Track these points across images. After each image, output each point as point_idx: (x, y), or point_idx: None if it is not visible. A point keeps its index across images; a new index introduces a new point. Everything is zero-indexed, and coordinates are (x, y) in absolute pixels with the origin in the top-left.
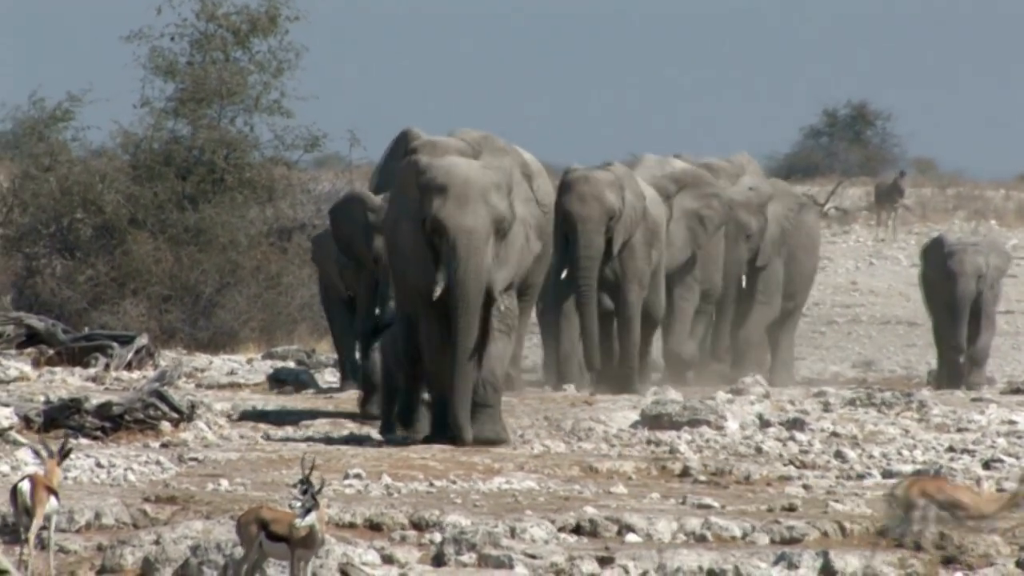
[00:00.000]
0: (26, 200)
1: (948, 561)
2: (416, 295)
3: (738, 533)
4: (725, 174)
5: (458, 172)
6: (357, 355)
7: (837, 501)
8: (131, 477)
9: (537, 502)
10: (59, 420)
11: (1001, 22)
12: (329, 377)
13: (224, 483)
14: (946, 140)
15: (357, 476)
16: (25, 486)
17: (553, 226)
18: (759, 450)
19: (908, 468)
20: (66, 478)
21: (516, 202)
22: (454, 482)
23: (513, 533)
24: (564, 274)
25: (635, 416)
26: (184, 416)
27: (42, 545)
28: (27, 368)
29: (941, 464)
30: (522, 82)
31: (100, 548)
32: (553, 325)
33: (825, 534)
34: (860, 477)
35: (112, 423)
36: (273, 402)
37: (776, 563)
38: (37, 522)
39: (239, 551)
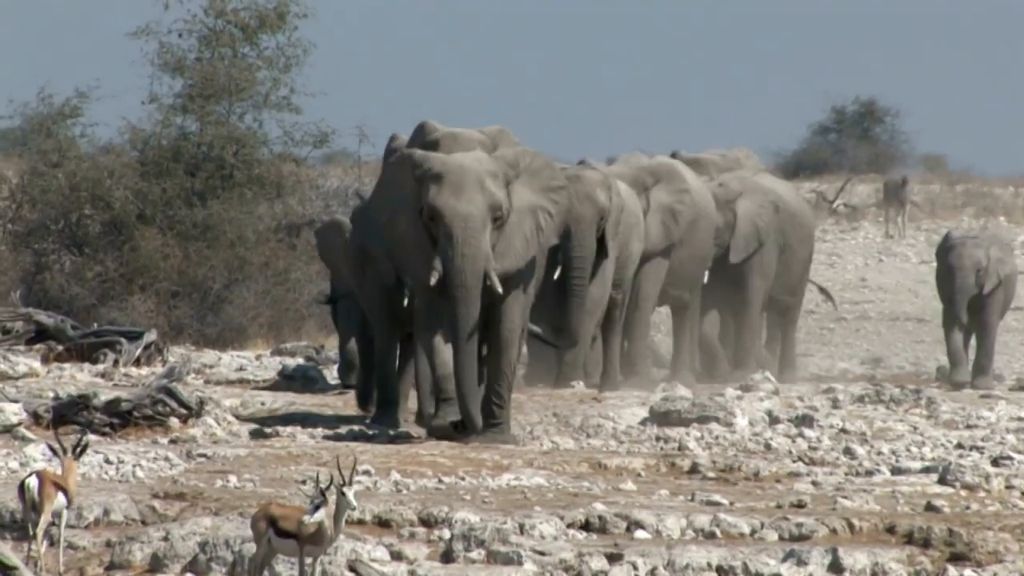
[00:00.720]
0: (35, 196)
1: (957, 558)
2: (419, 287)
3: (747, 530)
4: (716, 169)
5: (454, 160)
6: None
7: (846, 498)
8: (140, 473)
9: (546, 498)
10: (68, 416)
11: (1010, 19)
12: (338, 373)
13: (233, 479)
14: (955, 137)
15: (366, 472)
16: (33, 482)
17: None
18: (768, 447)
19: (917, 465)
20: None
21: (524, 191)
22: (463, 478)
23: (522, 529)
24: (556, 274)
25: (644, 413)
26: (193, 412)
27: (51, 541)
28: (36, 364)
29: (950, 460)
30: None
31: (109, 544)
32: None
33: (834, 531)
34: (869, 474)
35: (121, 419)
36: (282, 398)
37: (785, 560)
38: (45, 518)
39: (248, 547)
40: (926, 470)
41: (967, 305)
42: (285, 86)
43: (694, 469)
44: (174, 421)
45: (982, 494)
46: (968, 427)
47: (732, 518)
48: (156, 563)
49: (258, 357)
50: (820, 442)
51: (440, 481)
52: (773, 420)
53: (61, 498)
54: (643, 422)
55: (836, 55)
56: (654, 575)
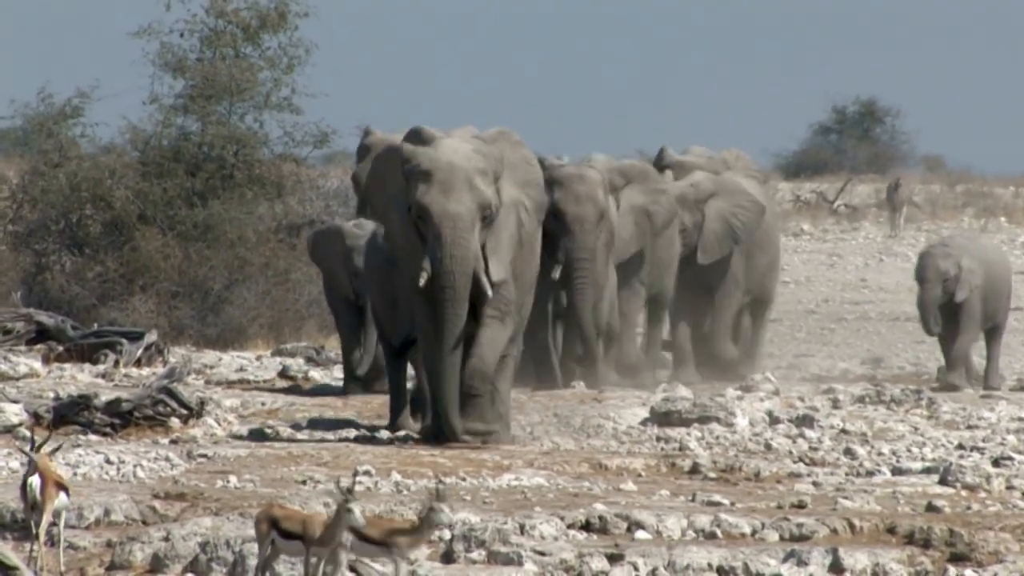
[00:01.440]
0: (35, 196)
1: (957, 558)
2: (412, 288)
3: (747, 530)
4: (701, 170)
5: (442, 158)
6: (358, 354)
7: (847, 498)
8: (140, 473)
9: (546, 499)
10: (68, 417)
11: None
12: (338, 374)
13: (233, 480)
14: (955, 137)
15: (367, 473)
16: (35, 481)
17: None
18: (768, 447)
19: (918, 465)
20: (75, 474)
21: (507, 186)
22: (463, 479)
23: (523, 530)
24: (557, 274)
25: (644, 413)
26: (193, 413)
27: (52, 541)
28: (36, 365)
29: (951, 461)
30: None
31: (109, 544)
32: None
33: (835, 531)
34: (870, 474)
35: (121, 419)
36: (282, 399)
37: (785, 560)
38: (47, 518)
39: (249, 547)
40: (927, 470)
41: (942, 314)
42: (286, 86)
43: (695, 469)
44: (175, 421)
45: (983, 494)
46: (969, 428)
47: (733, 518)
48: (157, 563)
49: (258, 357)
50: (821, 442)
51: (440, 482)
52: (774, 420)
53: (63, 497)
54: (644, 422)
55: (837, 56)
56: (655, 575)
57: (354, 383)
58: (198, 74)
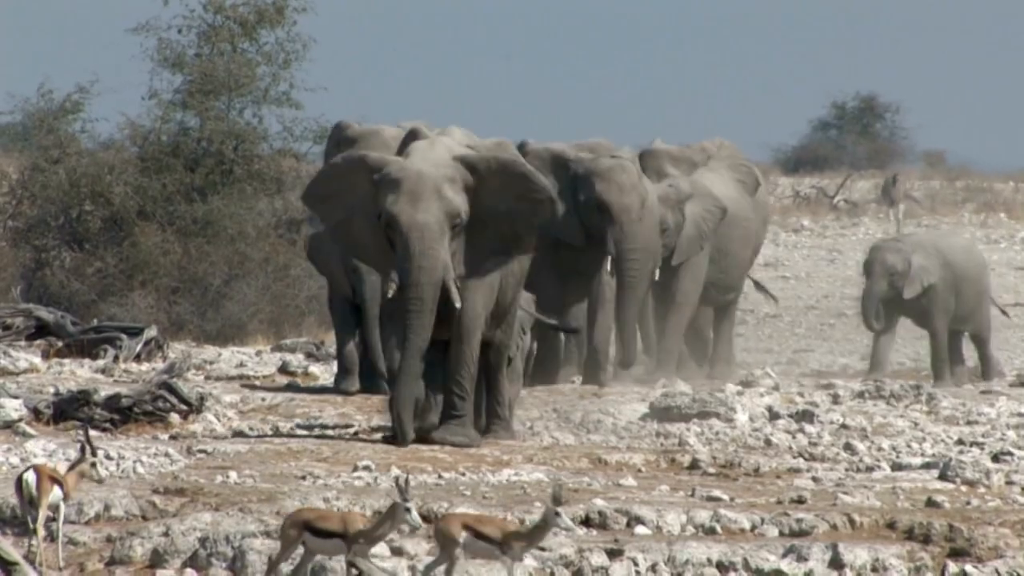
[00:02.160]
0: (35, 192)
1: (957, 554)
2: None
3: (747, 525)
4: (687, 163)
5: (411, 167)
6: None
7: (846, 493)
8: (140, 469)
9: (546, 494)
10: (68, 412)
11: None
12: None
13: (233, 475)
14: (955, 133)
15: (366, 468)
16: (30, 476)
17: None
18: (768, 442)
19: (917, 461)
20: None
21: (485, 192)
22: (463, 474)
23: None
24: (609, 266)
25: (644, 408)
26: (193, 408)
27: (51, 537)
28: (36, 360)
29: (950, 456)
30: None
31: (109, 539)
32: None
33: (834, 527)
34: (869, 469)
35: (121, 415)
36: (282, 395)
37: (785, 555)
38: (43, 512)
39: (249, 543)
40: (926, 466)
41: (885, 309)
42: (284, 81)
43: (694, 465)
44: (174, 417)
45: (982, 490)
46: (968, 423)
47: (732, 514)
48: (156, 558)
49: (258, 353)
50: (820, 438)
51: (440, 477)
52: (773, 416)
53: (58, 492)
54: (643, 418)
55: (837, 52)
56: (654, 571)
57: (346, 381)
58: (196, 70)
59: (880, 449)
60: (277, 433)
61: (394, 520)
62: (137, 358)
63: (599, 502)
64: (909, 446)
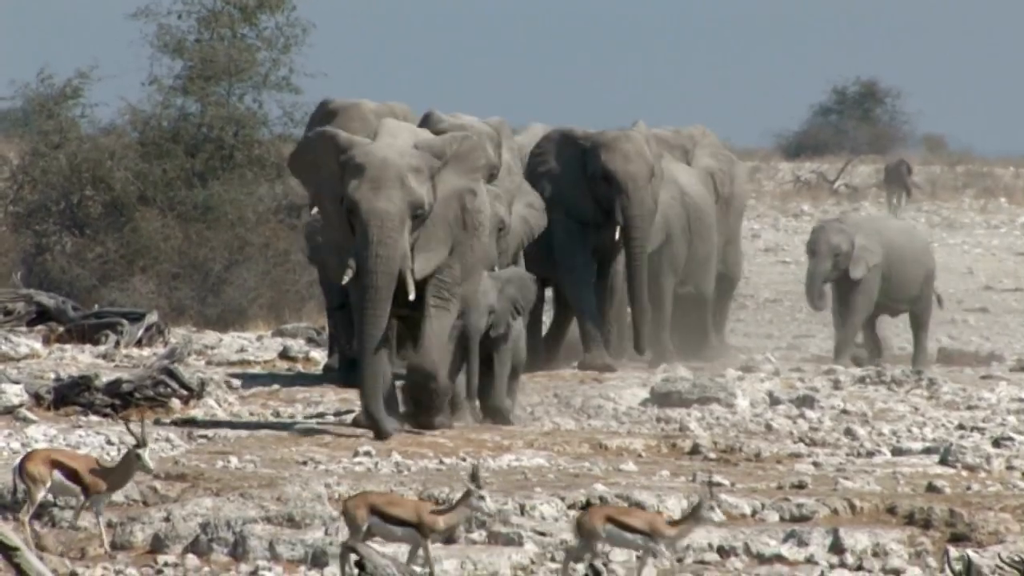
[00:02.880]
0: (35, 177)
1: (957, 538)
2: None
3: (748, 510)
4: (668, 146)
5: (376, 153)
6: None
7: (847, 478)
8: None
9: (547, 479)
10: (69, 397)
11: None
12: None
13: (234, 460)
14: (956, 118)
15: (367, 454)
16: (26, 462)
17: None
18: (769, 428)
19: (918, 445)
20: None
21: (450, 176)
22: (464, 459)
23: (523, 510)
24: (618, 235)
25: (645, 394)
26: (194, 393)
27: (52, 522)
28: (37, 345)
29: (951, 441)
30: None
31: (110, 525)
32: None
33: (835, 511)
34: (870, 455)
35: (122, 400)
36: (282, 379)
37: (786, 540)
38: (38, 496)
39: (249, 528)
40: (927, 451)
41: (834, 290)
42: (284, 66)
43: (695, 450)
44: (175, 402)
45: (983, 475)
46: (969, 408)
47: (733, 499)
48: (158, 544)
49: (259, 338)
50: (821, 423)
51: (441, 462)
52: (774, 401)
53: (56, 475)
54: (644, 403)
55: (838, 37)
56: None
57: (335, 371)
58: (196, 55)
59: (881, 434)
60: (278, 417)
61: (465, 510)
62: (138, 343)
63: (600, 487)
64: (910, 431)
